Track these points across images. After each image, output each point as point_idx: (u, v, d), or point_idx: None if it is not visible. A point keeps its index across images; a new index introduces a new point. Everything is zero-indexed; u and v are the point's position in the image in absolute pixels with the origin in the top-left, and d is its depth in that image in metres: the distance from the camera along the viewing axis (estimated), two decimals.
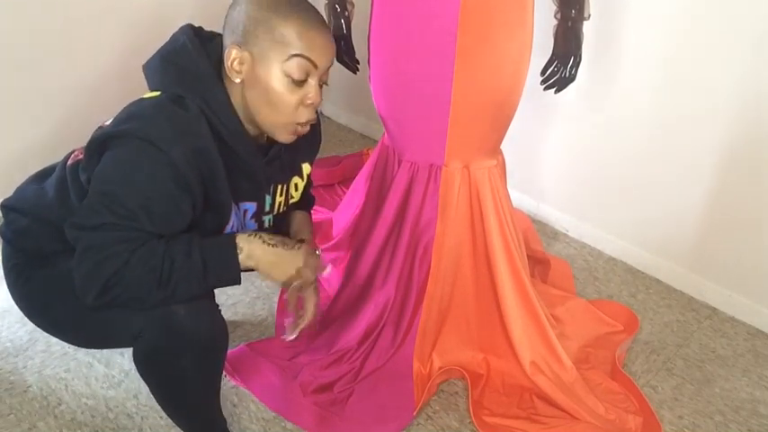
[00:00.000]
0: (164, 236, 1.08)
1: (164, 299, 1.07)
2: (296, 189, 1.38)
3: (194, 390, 1.24)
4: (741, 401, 1.62)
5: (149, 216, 1.06)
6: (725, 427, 1.55)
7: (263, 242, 1.15)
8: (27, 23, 1.85)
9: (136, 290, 1.05)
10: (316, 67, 1.13)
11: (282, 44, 1.10)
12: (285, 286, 1.21)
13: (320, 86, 1.17)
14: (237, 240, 1.12)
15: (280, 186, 1.32)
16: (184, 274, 1.07)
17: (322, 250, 1.82)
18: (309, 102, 1.14)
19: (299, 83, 1.12)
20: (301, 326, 1.30)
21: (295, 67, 1.11)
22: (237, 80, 1.14)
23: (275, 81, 1.12)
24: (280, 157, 1.27)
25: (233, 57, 1.12)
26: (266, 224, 1.31)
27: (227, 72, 1.14)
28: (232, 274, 1.12)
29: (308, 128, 1.19)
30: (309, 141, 1.38)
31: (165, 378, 1.21)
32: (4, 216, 1.28)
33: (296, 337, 1.30)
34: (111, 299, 1.05)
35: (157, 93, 1.13)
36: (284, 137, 1.18)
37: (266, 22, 1.10)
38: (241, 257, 1.12)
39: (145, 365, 1.20)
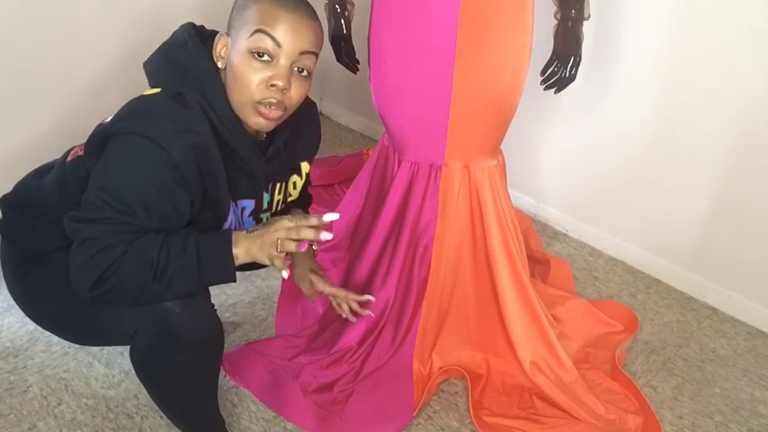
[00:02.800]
0: (161, 231, 1.08)
1: (158, 293, 1.07)
2: (294, 187, 1.38)
3: (191, 389, 1.24)
4: (741, 401, 1.62)
5: (147, 212, 1.06)
6: (725, 427, 1.55)
7: (247, 232, 1.13)
8: (28, 21, 1.85)
9: (131, 282, 1.05)
10: (279, 45, 1.10)
11: (249, 22, 1.11)
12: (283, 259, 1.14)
13: (302, 74, 1.14)
14: (233, 236, 1.11)
15: (279, 185, 1.32)
16: (179, 267, 1.06)
17: (320, 250, 1.83)
18: (273, 83, 1.11)
19: (263, 60, 1.10)
20: (349, 303, 1.40)
21: (255, 42, 1.10)
22: (221, 65, 1.15)
23: (239, 57, 1.11)
24: (279, 156, 1.27)
25: (220, 43, 1.15)
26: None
27: (215, 59, 1.15)
28: (225, 270, 1.10)
29: (275, 112, 1.13)
30: (309, 140, 1.38)
31: (161, 377, 1.21)
32: (3, 212, 1.27)
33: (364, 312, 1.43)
34: (107, 290, 1.05)
35: (158, 90, 1.13)
36: (251, 118, 1.14)
37: (243, 5, 1.13)
38: (236, 251, 1.10)
39: (141, 364, 1.20)
